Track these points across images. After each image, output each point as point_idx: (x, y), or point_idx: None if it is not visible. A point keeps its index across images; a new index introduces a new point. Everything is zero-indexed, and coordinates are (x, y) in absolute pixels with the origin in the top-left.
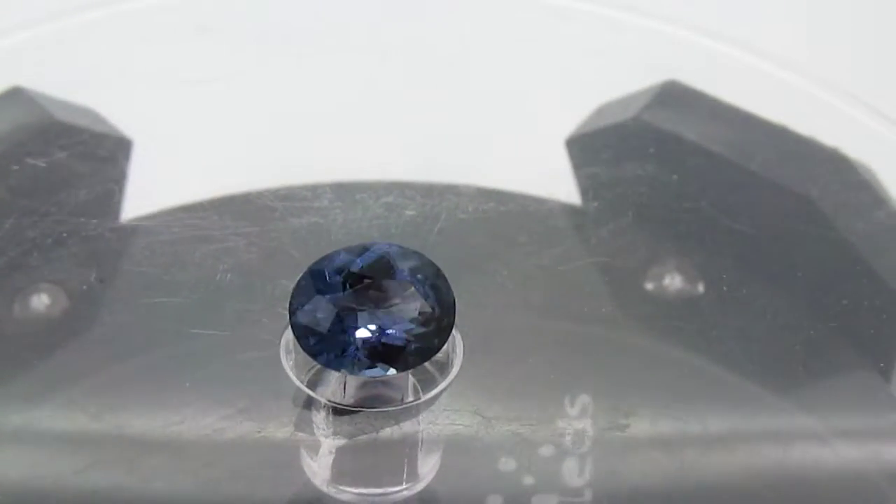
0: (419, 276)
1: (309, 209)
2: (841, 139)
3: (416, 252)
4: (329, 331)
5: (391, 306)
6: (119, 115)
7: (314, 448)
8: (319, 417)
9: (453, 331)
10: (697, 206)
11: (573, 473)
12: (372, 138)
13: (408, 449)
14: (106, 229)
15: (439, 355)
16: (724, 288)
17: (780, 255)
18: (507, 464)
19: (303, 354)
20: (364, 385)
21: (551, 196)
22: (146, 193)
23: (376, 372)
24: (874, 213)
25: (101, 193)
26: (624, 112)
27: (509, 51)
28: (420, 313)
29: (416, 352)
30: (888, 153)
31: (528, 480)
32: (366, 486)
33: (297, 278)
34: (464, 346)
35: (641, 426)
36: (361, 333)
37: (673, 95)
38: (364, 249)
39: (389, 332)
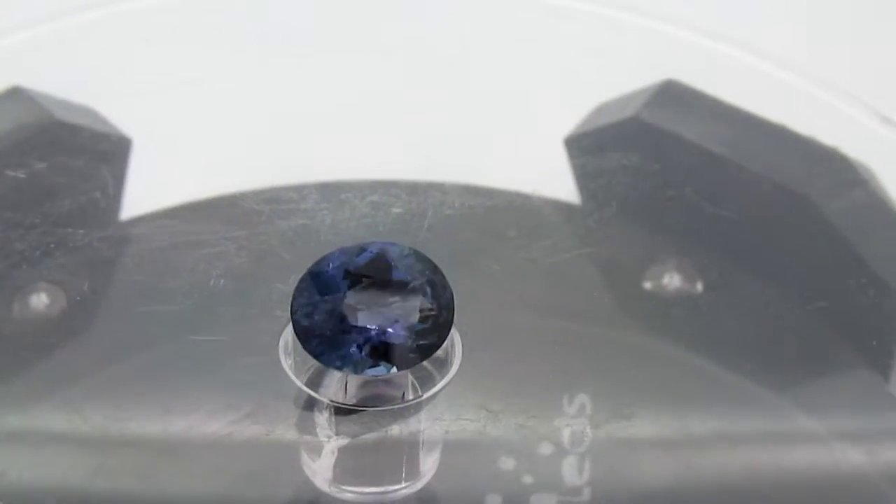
0: (417, 273)
1: (296, 211)
2: (840, 139)
3: (412, 249)
4: (332, 331)
5: (391, 305)
6: (119, 114)
7: (322, 449)
8: (324, 418)
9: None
10: (696, 205)
11: (572, 472)
12: (372, 138)
13: (407, 448)
14: (94, 238)
15: (438, 352)
16: (723, 287)
17: (779, 255)
18: (506, 463)
19: (302, 356)
20: (365, 384)
21: (551, 195)
22: (146, 192)
23: (379, 371)
24: (873, 213)
25: (86, 203)
26: (623, 111)
27: (509, 50)
28: (420, 310)
29: (418, 349)
30: (887, 153)
31: (527, 479)
32: (366, 485)
33: (293, 280)
34: (461, 342)
35: (640, 425)
36: (364, 333)
37: (672, 95)
38: (361, 249)
39: (391, 330)
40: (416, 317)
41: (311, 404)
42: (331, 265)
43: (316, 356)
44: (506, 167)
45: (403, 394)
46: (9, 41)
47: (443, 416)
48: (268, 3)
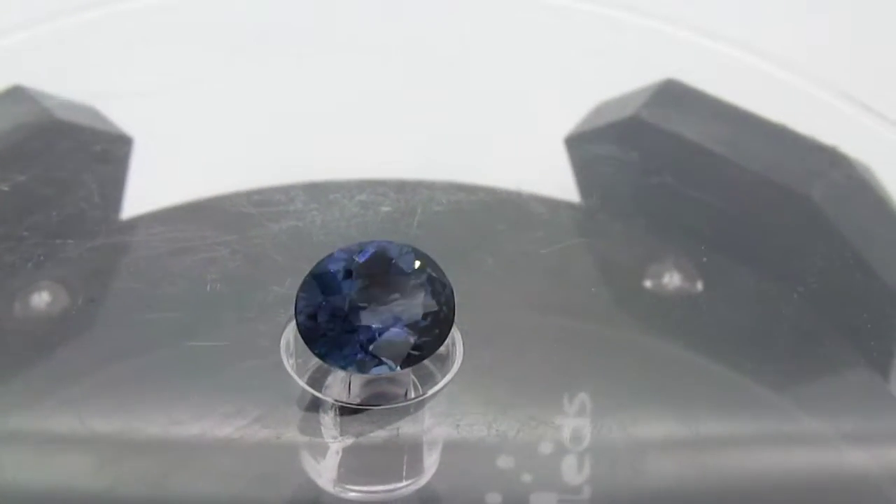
0: (417, 270)
1: (285, 213)
2: (839, 138)
3: (411, 247)
4: (336, 332)
5: (394, 303)
6: (118, 114)
7: (330, 449)
8: (329, 418)
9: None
10: (695, 204)
11: (572, 471)
12: (371, 138)
13: (408, 447)
14: (84, 249)
15: (439, 349)
16: (723, 286)
17: (779, 254)
18: (506, 461)
19: (303, 357)
20: (368, 383)
21: (551, 195)
22: (146, 191)
23: (383, 369)
24: (873, 212)
25: (74, 213)
26: (623, 110)
27: (509, 50)
28: (423, 307)
29: (421, 346)
30: (886, 152)
31: (527, 478)
32: (368, 484)
33: (289, 283)
34: (462, 338)
35: (640, 424)
36: (368, 332)
37: (671, 94)
38: (361, 248)
39: (395, 328)
40: (418, 314)
41: (316, 405)
42: (332, 265)
43: (321, 357)
44: (506, 166)
45: (406, 391)
46: (9, 41)
47: (443, 415)
48: (265, 3)
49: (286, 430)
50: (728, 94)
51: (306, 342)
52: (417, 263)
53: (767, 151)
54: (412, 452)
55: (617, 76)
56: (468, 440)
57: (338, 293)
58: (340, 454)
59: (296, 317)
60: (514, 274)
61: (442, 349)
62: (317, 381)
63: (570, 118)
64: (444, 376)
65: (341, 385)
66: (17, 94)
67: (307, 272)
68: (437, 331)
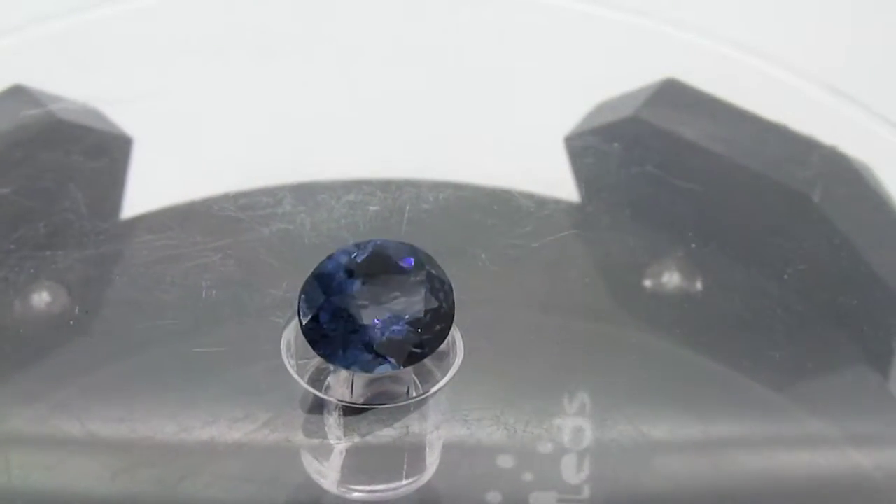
0: (416, 267)
1: (274, 216)
2: (839, 138)
3: (408, 244)
4: (340, 332)
5: (395, 301)
6: (118, 113)
7: (335, 450)
8: (334, 419)
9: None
10: (695, 204)
11: (572, 470)
12: (373, 138)
13: (408, 446)
14: (75, 260)
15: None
16: (723, 285)
17: (778, 253)
18: (505, 461)
19: (304, 358)
20: (371, 382)
21: (551, 194)
22: (146, 191)
23: (387, 368)
24: (872, 212)
25: (60, 223)
26: (622, 110)
27: (509, 51)
28: (424, 304)
29: (424, 343)
30: (885, 151)
31: (527, 477)
32: (370, 483)
33: (285, 286)
34: (460, 335)
35: (640, 423)
36: (371, 331)
37: (671, 94)
38: (359, 248)
39: (397, 327)
40: (420, 311)
41: (322, 407)
42: (333, 266)
43: (326, 358)
44: (506, 166)
45: (408, 389)
46: (9, 40)
47: (443, 414)
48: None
49: (296, 434)
50: (727, 93)
51: (310, 343)
52: (416, 261)
53: (767, 151)
54: (413, 452)
55: (617, 76)
56: (468, 439)
57: (339, 293)
58: (345, 454)
59: (299, 318)
60: (509, 269)
61: (442, 346)
62: (320, 382)
63: (570, 118)
64: (443, 373)
65: (344, 385)
66: (18, 93)
67: (301, 274)
68: (438, 327)
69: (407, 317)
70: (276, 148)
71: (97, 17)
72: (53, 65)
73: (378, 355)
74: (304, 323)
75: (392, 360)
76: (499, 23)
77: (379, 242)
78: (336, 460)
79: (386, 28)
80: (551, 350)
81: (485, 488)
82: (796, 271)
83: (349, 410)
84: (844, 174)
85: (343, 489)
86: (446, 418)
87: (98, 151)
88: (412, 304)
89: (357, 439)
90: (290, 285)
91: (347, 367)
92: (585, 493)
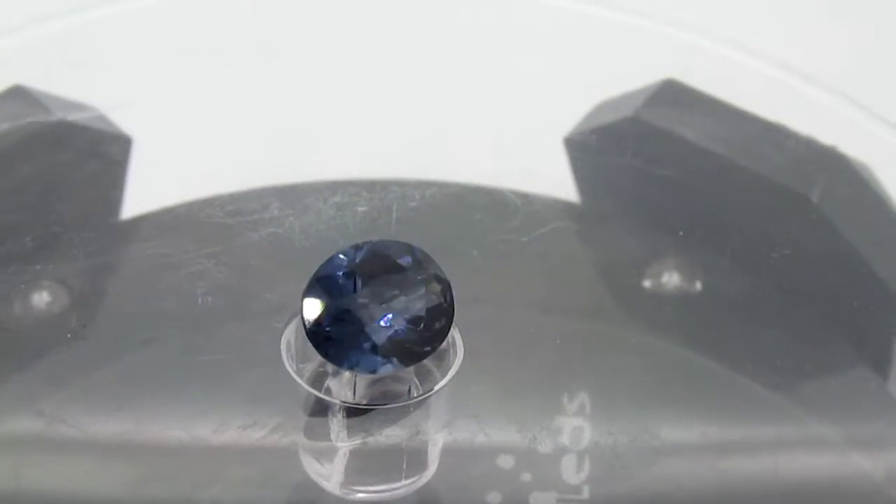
0: (414, 266)
1: (262, 221)
2: (839, 138)
3: (405, 244)
4: (344, 334)
5: (396, 300)
6: (118, 114)
7: (339, 451)
8: (338, 420)
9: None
10: (695, 204)
11: (572, 470)
12: (373, 139)
13: (408, 447)
14: (68, 273)
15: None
16: (722, 286)
17: (778, 254)
18: (505, 461)
19: (305, 361)
20: (373, 382)
21: (552, 194)
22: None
23: (391, 368)
24: (872, 212)
25: (46, 236)
26: (622, 110)
27: (509, 51)
28: (425, 302)
29: (426, 341)
30: (885, 152)
31: (527, 477)
32: (371, 484)
33: (281, 290)
34: (459, 332)
35: (640, 423)
36: (374, 332)
37: (671, 94)
38: (358, 249)
39: (399, 326)
40: (421, 309)
41: (328, 409)
42: (334, 268)
43: (330, 359)
44: (505, 166)
45: (409, 388)
46: (9, 40)
47: (443, 415)
48: (266, 4)
49: (305, 437)
50: (727, 94)
51: (315, 346)
52: (414, 259)
53: (766, 151)
54: (413, 452)
55: (617, 76)
56: (468, 439)
57: (342, 295)
58: (348, 456)
59: (303, 322)
60: (502, 264)
61: (442, 345)
62: (321, 384)
63: (570, 118)
64: (442, 372)
65: (347, 387)
66: (17, 94)
67: (295, 278)
68: (439, 325)
69: (408, 315)
70: (275, 148)
71: (97, 17)
72: (53, 65)
73: (382, 355)
74: (308, 327)
75: (396, 360)
76: (499, 23)
77: (376, 243)
78: (340, 462)
79: (386, 28)
80: (551, 350)
81: (485, 488)
82: (796, 272)
83: (353, 412)
84: (844, 174)
85: (346, 490)
86: (452, 417)
87: (97, 151)
88: (413, 302)
89: (369, 439)
90: (285, 289)
91: (352, 369)
92: (585, 493)
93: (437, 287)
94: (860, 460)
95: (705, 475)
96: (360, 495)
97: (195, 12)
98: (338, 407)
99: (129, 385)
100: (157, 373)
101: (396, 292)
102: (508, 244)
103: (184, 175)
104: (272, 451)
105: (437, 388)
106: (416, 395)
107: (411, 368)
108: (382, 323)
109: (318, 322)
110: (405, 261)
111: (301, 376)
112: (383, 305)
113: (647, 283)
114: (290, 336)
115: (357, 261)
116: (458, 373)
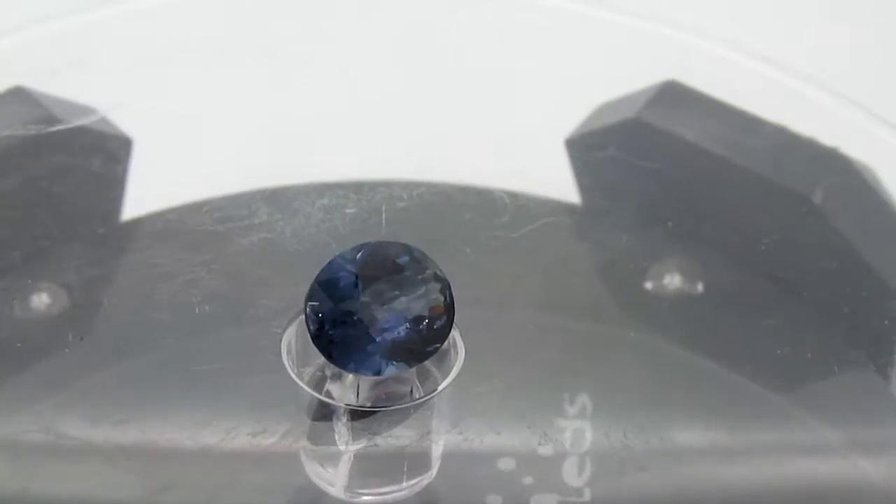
0: (413, 266)
1: (252, 226)
2: (840, 139)
3: (403, 244)
4: (348, 337)
5: (397, 301)
6: (118, 113)
7: (343, 455)
8: (342, 423)
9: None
10: (696, 205)
11: (573, 473)
12: (373, 139)
13: (408, 448)
14: (62, 285)
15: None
16: (724, 287)
17: (779, 255)
18: (506, 463)
19: (305, 364)
20: (376, 385)
21: (552, 195)
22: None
23: (394, 369)
24: (874, 213)
25: (34, 250)
26: (624, 112)
27: (510, 53)
28: (426, 302)
29: (428, 341)
30: (887, 153)
31: (528, 480)
32: (373, 486)
33: (277, 295)
34: (459, 332)
35: (641, 426)
36: (378, 333)
37: (673, 95)
38: (357, 251)
39: (402, 327)
40: (423, 309)
41: (334, 413)
42: (335, 271)
43: (335, 363)
44: (506, 167)
45: (411, 389)
46: (9, 41)
47: (447, 415)
48: (263, 6)
49: (311, 442)
50: (729, 95)
51: (319, 349)
52: (412, 259)
53: (768, 153)
54: (414, 455)
55: (618, 77)
56: (469, 442)
57: (344, 298)
58: (352, 458)
59: (308, 327)
60: (496, 262)
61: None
62: (324, 388)
63: (572, 119)
64: (442, 372)
65: (350, 389)
66: (17, 94)
67: (290, 282)
68: (440, 324)
69: (410, 316)
70: (276, 149)
71: (97, 18)
72: (53, 65)
73: (386, 357)
74: (312, 331)
75: (400, 361)
76: (499, 23)
77: (374, 244)
78: (345, 465)
79: (386, 29)
80: (551, 349)
81: (486, 491)
82: (797, 273)
83: (358, 414)
84: (845, 176)
85: (350, 494)
86: (456, 418)
87: (97, 152)
88: (414, 302)
89: (377, 440)
90: (281, 294)
91: (358, 371)
92: (586, 495)
93: (436, 286)
94: (861, 462)
95: (706, 477)
96: (364, 498)
97: (195, 13)
98: (342, 410)
99: (129, 392)
100: (160, 383)
101: (397, 293)
102: (500, 241)
103: (184, 176)
104: (284, 456)
105: (441, 385)
106: (418, 396)
107: (413, 369)
108: (385, 325)
109: (322, 327)
110: (404, 261)
111: (307, 381)
112: (385, 306)
113: (648, 285)
114: (291, 340)
115: (358, 263)
116: (459, 373)
